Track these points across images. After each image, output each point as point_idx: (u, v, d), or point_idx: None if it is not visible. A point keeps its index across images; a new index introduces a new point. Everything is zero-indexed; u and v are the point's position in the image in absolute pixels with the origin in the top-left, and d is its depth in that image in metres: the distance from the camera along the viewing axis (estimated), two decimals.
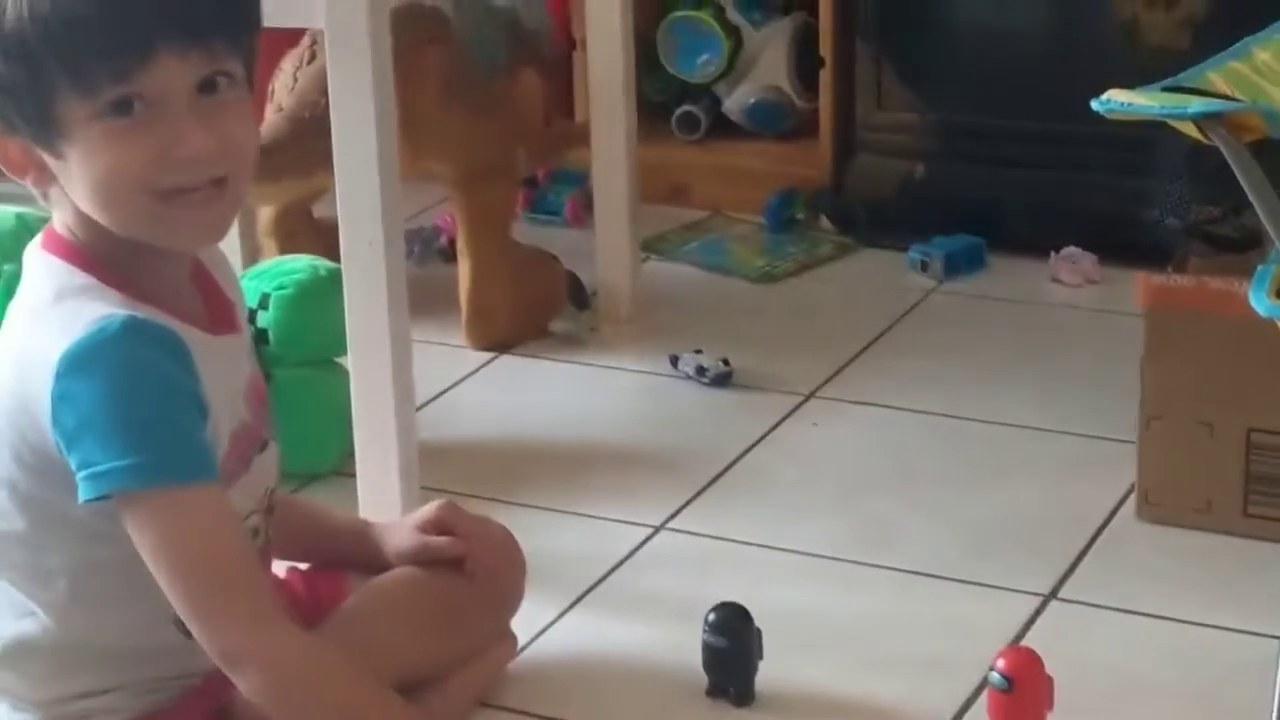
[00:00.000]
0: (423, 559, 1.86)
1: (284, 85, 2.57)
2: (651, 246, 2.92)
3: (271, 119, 2.53)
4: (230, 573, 1.55)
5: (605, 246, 2.73)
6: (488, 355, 2.65)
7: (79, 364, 1.53)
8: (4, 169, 1.58)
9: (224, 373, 1.63)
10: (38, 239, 1.63)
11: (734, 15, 3.16)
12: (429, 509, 1.91)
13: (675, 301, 2.80)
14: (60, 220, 1.61)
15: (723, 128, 3.17)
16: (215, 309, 1.67)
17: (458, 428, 2.46)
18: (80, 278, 1.58)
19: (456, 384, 2.58)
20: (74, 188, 1.55)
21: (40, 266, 1.61)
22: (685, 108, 3.17)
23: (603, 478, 2.33)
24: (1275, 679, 1.78)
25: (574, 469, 2.35)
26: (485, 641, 1.91)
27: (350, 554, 1.90)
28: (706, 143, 3.16)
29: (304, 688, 1.56)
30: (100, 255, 1.59)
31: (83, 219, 1.58)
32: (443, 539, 1.86)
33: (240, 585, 1.56)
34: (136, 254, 1.59)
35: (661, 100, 3.17)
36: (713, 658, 1.88)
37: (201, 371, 1.58)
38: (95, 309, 1.55)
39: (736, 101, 3.16)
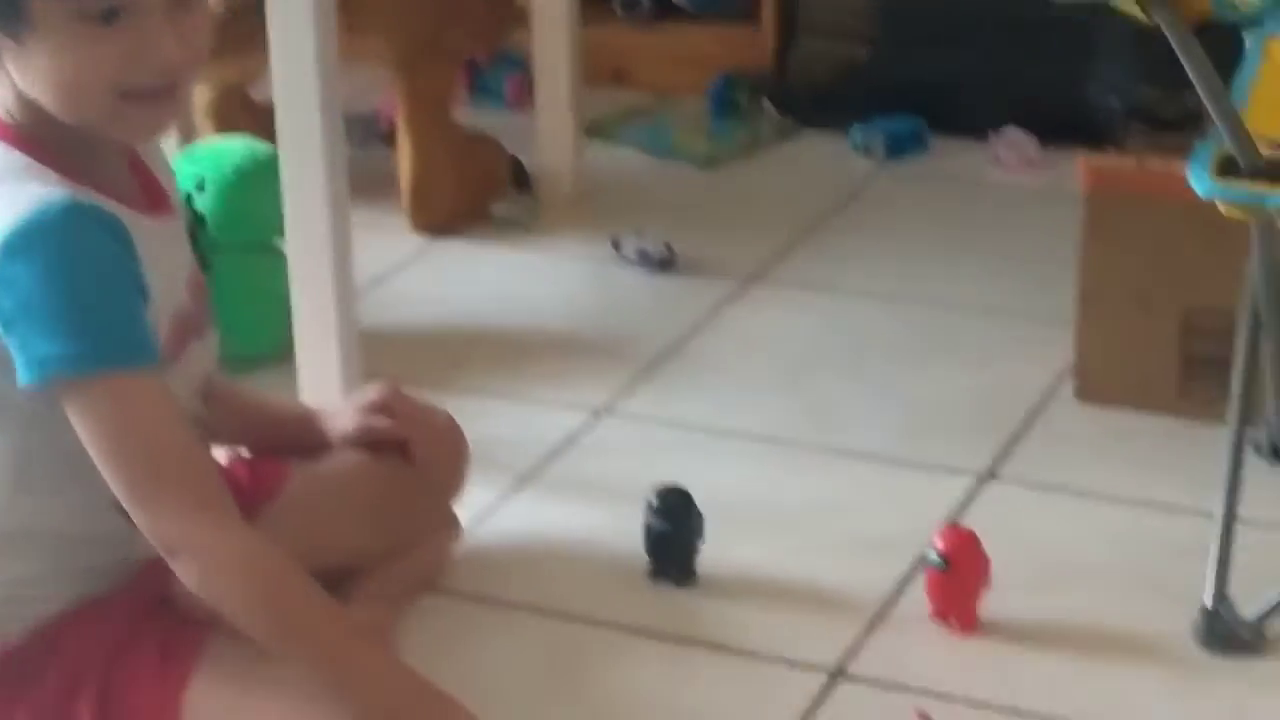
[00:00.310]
0: (366, 441, 1.86)
1: None
2: (593, 130, 2.90)
3: None
4: (173, 461, 1.54)
5: (546, 129, 2.72)
6: (428, 239, 2.64)
7: (19, 246, 1.51)
8: None
9: (164, 256, 1.62)
10: None
11: None
12: (372, 392, 1.90)
13: (617, 185, 2.79)
14: (2, 99, 1.59)
15: (666, 10, 3.14)
16: (151, 193, 1.65)
17: (399, 313, 2.46)
18: (19, 158, 1.56)
19: (397, 268, 2.57)
20: (30, 75, 1.52)
21: None
22: None
23: (545, 362, 2.33)
24: (1211, 556, 1.81)
25: (516, 354, 2.35)
26: (429, 527, 1.92)
27: (293, 439, 1.89)
28: (649, 25, 3.13)
29: (244, 582, 1.55)
30: (39, 138, 1.57)
31: (24, 102, 1.56)
32: (386, 422, 1.86)
33: (183, 474, 1.55)
34: (77, 139, 1.57)
35: None
36: (654, 540, 1.90)
37: (143, 254, 1.57)
38: (35, 190, 1.53)
39: None
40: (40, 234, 1.51)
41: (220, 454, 1.81)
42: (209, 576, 1.54)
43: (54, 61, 1.51)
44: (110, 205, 1.56)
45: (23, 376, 1.51)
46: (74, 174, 1.55)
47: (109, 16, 1.49)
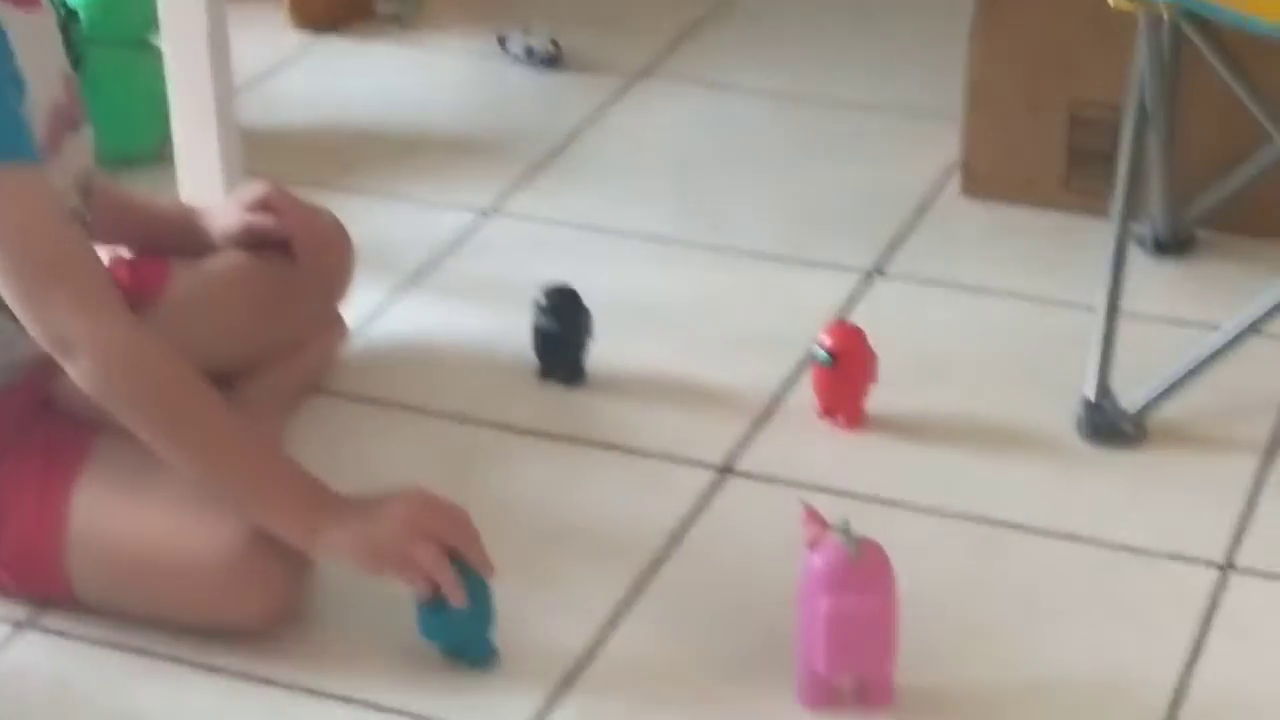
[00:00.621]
0: (249, 240, 1.84)
1: None
2: None
3: None
4: (60, 256, 1.52)
5: None
6: (309, 36, 2.60)
7: None
8: None
9: (35, 50, 1.58)
10: None
11: None
12: (254, 189, 1.88)
13: None
14: None
15: None
16: None
17: (280, 111, 2.42)
18: None
19: (277, 66, 2.53)
20: None
21: None
22: None
23: (431, 161, 2.31)
24: (1094, 350, 1.82)
25: (401, 152, 2.33)
26: (315, 327, 1.91)
27: (175, 239, 1.87)
28: None
29: (133, 375, 1.53)
30: None
31: None
32: (269, 219, 1.84)
33: (71, 269, 1.53)
34: None
35: None
36: (543, 340, 1.90)
37: (15, 48, 1.53)
38: None
39: None
40: None
41: (100, 254, 1.78)
42: (100, 371, 1.52)
43: None
44: None
45: None
46: None
47: None
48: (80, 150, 1.68)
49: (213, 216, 1.87)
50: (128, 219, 1.86)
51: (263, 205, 1.85)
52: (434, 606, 1.50)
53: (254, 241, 1.84)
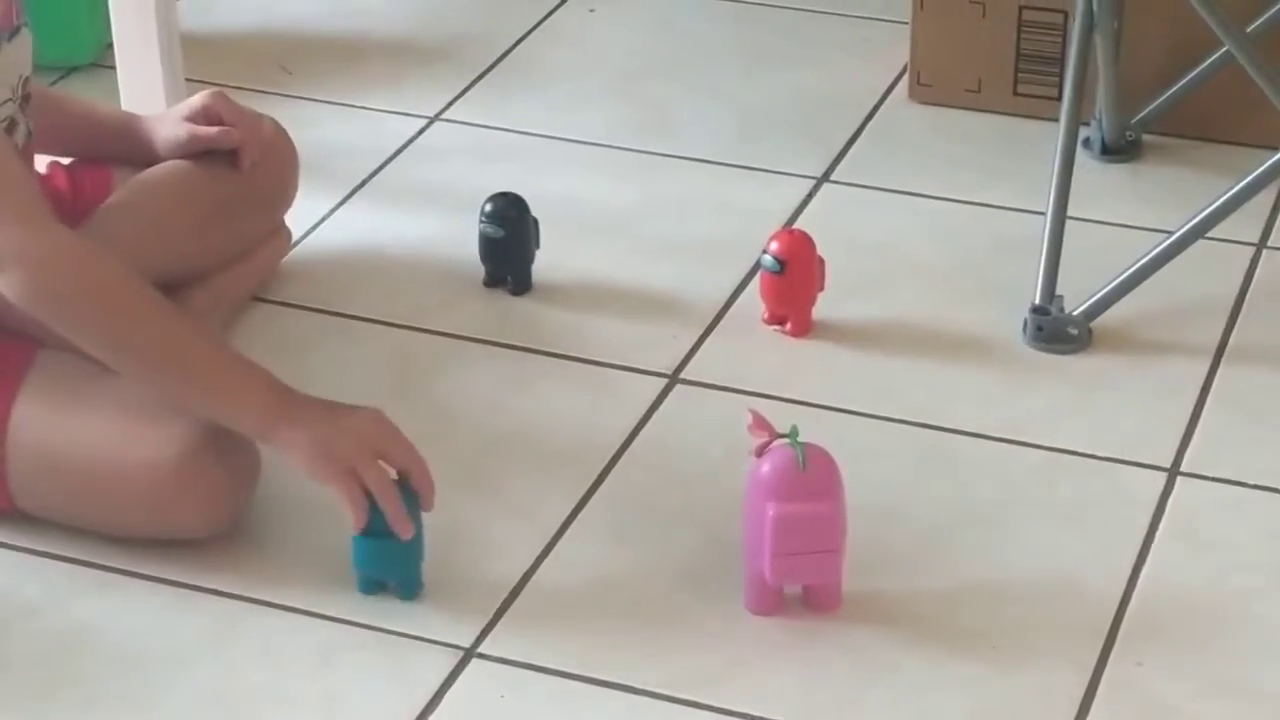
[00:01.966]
0: (192, 150, 1.82)
1: None
2: None
3: None
4: None
5: None
6: None
7: None
8: None
9: None
10: None
11: None
12: (198, 98, 1.86)
13: None
14: None
15: None
16: None
17: (222, 17, 2.40)
18: None
19: None
20: None
21: None
22: None
23: (375, 67, 2.30)
24: (1041, 255, 1.82)
25: (345, 59, 2.31)
26: (258, 236, 1.90)
27: (116, 148, 1.85)
28: None
29: (70, 283, 1.52)
30: None
31: None
32: (213, 129, 1.82)
33: (2, 182, 1.51)
34: None
35: None
36: (489, 248, 1.89)
37: None
38: None
39: None
40: None
41: (40, 163, 1.76)
42: (34, 282, 1.50)
43: None
44: None
45: None
46: None
47: None
48: (19, 56, 1.65)
49: (156, 124, 1.85)
50: (69, 128, 1.84)
51: (206, 115, 1.83)
52: (372, 535, 1.49)
53: (198, 150, 1.82)
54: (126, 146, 1.84)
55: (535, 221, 1.88)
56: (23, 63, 1.66)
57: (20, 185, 1.54)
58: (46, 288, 1.51)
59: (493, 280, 1.90)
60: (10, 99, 1.63)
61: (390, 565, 1.52)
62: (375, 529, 1.49)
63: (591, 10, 2.41)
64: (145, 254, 1.67)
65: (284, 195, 1.92)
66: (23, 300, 1.51)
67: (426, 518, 1.50)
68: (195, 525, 1.56)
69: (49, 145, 1.80)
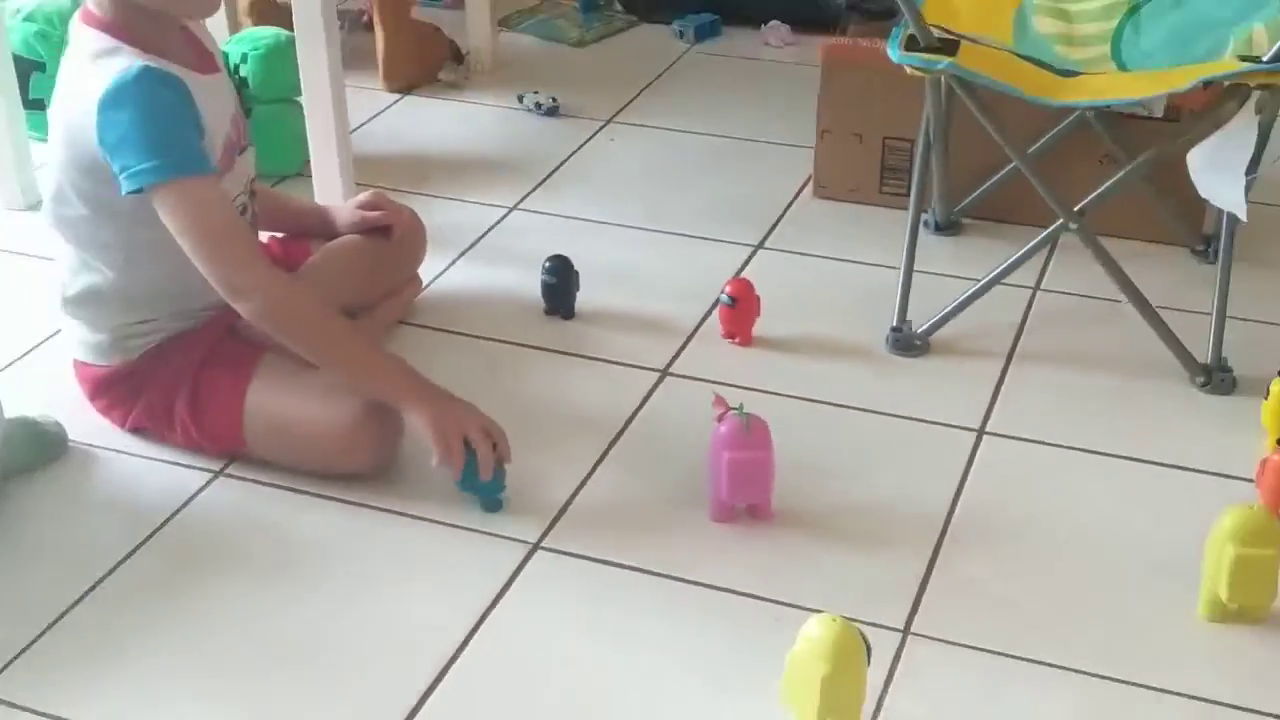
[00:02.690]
0: (361, 228, 1.83)
1: None
2: (504, 22, 2.82)
3: None
4: (227, 232, 1.50)
5: (473, 21, 2.63)
6: (396, 95, 2.56)
7: (112, 100, 1.46)
8: None
9: (213, 101, 1.56)
10: (77, 14, 1.54)
11: None
12: (365, 195, 1.87)
13: (520, 59, 2.70)
14: (94, 1, 1.52)
15: None
16: (200, 57, 1.58)
17: (378, 144, 2.39)
18: (108, 42, 1.50)
19: (376, 115, 2.49)
20: None
21: (81, 34, 1.53)
22: None
23: (475, 175, 2.29)
24: (897, 294, 1.82)
25: (456, 171, 2.30)
26: (401, 282, 1.90)
27: (312, 227, 1.86)
28: None
29: (286, 310, 1.52)
30: (119, 24, 1.51)
31: (112, 1, 1.50)
32: (375, 213, 1.83)
33: (235, 240, 1.51)
34: (144, 22, 1.51)
35: None
36: (547, 290, 1.89)
37: (197, 100, 1.51)
38: (121, 61, 1.48)
39: None
40: (126, 90, 1.46)
41: (262, 237, 1.77)
42: (268, 310, 1.51)
43: None
44: (173, 68, 1.50)
45: (124, 187, 1.47)
46: (145, 48, 1.49)
47: None
48: (247, 165, 1.66)
49: (339, 212, 1.86)
50: (283, 214, 1.85)
51: (370, 205, 1.84)
52: (470, 476, 1.50)
53: (365, 228, 1.83)
54: (319, 226, 1.85)
55: (576, 273, 1.88)
56: (250, 169, 1.67)
57: (248, 241, 1.55)
58: (274, 313, 1.51)
59: (549, 311, 1.89)
60: (243, 193, 1.64)
61: (482, 490, 1.52)
62: (469, 473, 1.50)
63: (612, 139, 2.40)
64: (333, 293, 1.68)
65: (417, 257, 1.91)
66: (256, 320, 1.52)
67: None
68: (362, 464, 1.56)
69: (269, 225, 1.81)
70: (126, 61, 1.47)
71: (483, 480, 1.50)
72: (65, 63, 1.54)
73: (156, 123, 1.46)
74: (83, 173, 1.52)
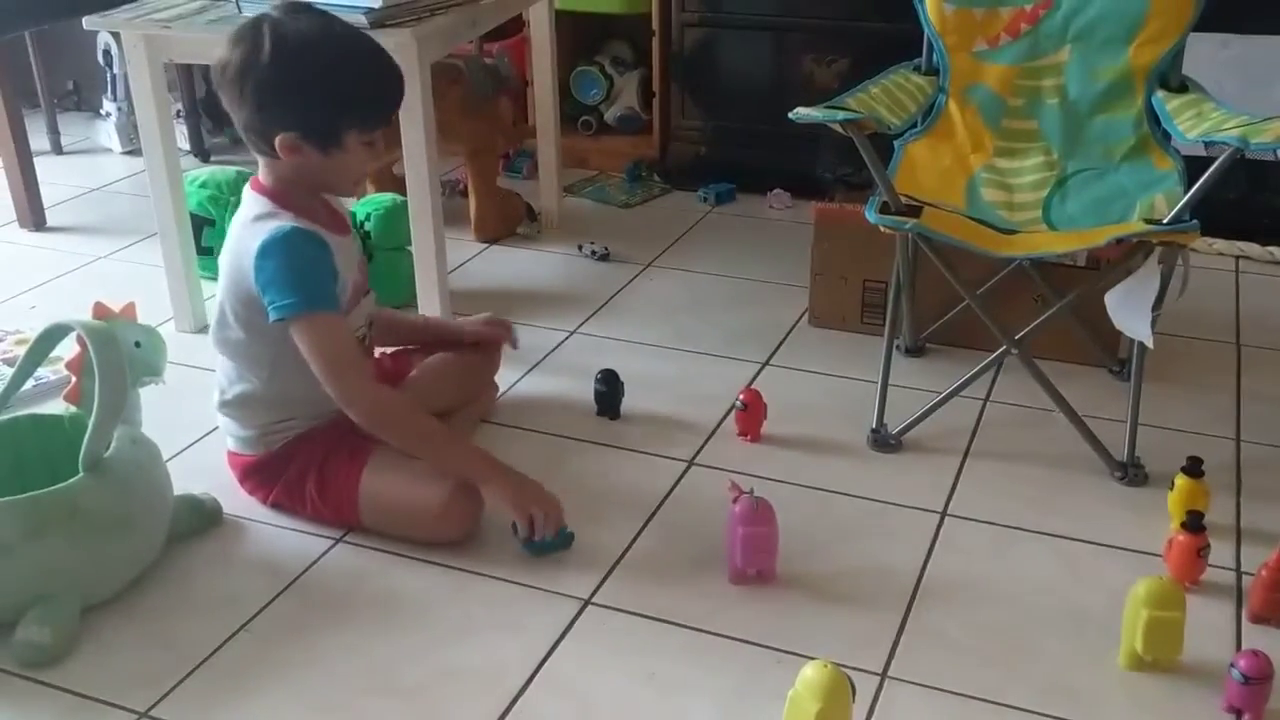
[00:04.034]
0: (484, 337, 1.86)
1: None
2: (568, 189, 2.87)
3: None
4: (344, 357, 1.53)
5: (544, 188, 2.68)
6: (484, 245, 2.60)
7: (264, 253, 1.51)
8: (280, 150, 1.51)
9: (344, 255, 1.60)
10: (250, 181, 1.60)
11: (609, 68, 3.08)
12: (484, 315, 1.91)
13: (580, 218, 2.75)
14: (264, 174, 1.57)
15: (605, 128, 3.11)
16: (337, 221, 1.63)
17: (470, 281, 2.42)
18: (269, 206, 1.55)
19: (469, 259, 2.53)
20: (313, 167, 1.52)
21: (250, 198, 1.58)
22: (584, 117, 3.10)
23: (544, 306, 2.31)
24: (876, 402, 1.82)
25: (530, 304, 2.32)
26: (483, 389, 1.91)
27: (426, 338, 1.86)
28: (596, 136, 3.09)
29: (383, 417, 1.54)
30: (279, 193, 1.56)
31: (275, 175, 1.55)
32: (488, 329, 1.87)
33: (350, 363, 1.53)
34: (298, 193, 1.56)
35: (573, 114, 3.10)
36: (598, 396, 1.89)
37: (334, 254, 1.55)
38: (276, 222, 1.52)
39: (611, 114, 3.09)
40: (279, 243, 1.50)
41: (376, 352, 1.79)
42: (366, 415, 1.53)
43: (340, 164, 1.52)
44: (318, 229, 1.55)
45: (270, 316, 1.51)
46: (297, 213, 1.54)
47: (374, 142, 1.52)
48: (368, 305, 1.69)
49: (464, 323, 1.89)
50: (402, 328, 1.86)
51: (492, 322, 1.88)
52: (532, 538, 1.52)
53: (487, 337, 1.85)
54: (432, 337, 1.87)
55: (622, 383, 1.89)
56: (370, 308, 1.70)
57: (360, 365, 1.56)
58: (372, 419, 1.53)
59: (600, 413, 1.90)
60: (363, 326, 1.68)
61: (541, 550, 1.53)
62: (532, 535, 1.51)
63: (650, 280, 2.42)
64: (427, 398, 1.70)
65: (494, 369, 1.93)
66: (361, 423, 1.54)
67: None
68: (451, 534, 1.56)
69: (393, 341, 1.83)
70: (282, 222, 1.52)
71: (546, 538, 1.52)
72: (236, 217, 1.59)
73: (297, 269, 1.51)
74: (243, 303, 1.56)
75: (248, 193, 1.58)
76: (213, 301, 1.62)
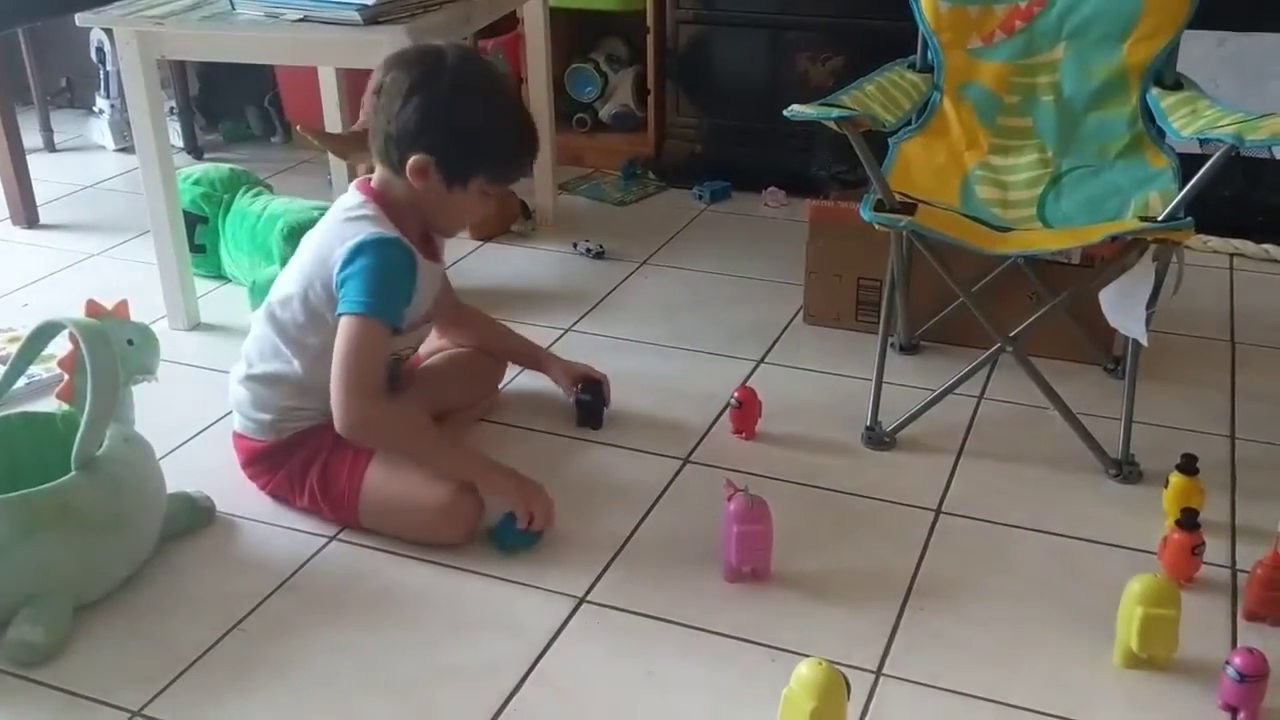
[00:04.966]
0: (573, 378, 1.87)
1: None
2: (563, 186, 2.87)
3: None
4: (366, 375, 1.52)
5: (539, 186, 2.67)
6: (478, 243, 2.60)
7: (359, 250, 1.53)
8: (409, 169, 1.54)
9: (428, 280, 1.63)
10: (360, 179, 1.62)
11: (604, 66, 3.08)
12: (581, 366, 1.91)
13: (575, 215, 2.75)
14: (379, 182, 1.59)
15: (599, 126, 3.10)
16: (431, 248, 1.65)
17: (466, 279, 2.41)
18: (375, 210, 1.57)
19: (464, 256, 2.53)
20: (433, 197, 1.55)
21: (355, 196, 1.60)
22: (579, 115, 3.09)
23: (538, 304, 2.30)
24: (870, 400, 1.82)
25: (525, 302, 2.32)
26: (483, 393, 1.90)
27: (519, 357, 1.92)
28: (591, 134, 3.08)
29: (370, 435, 1.54)
30: (389, 205, 1.58)
31: (397, 193, 1.57)
32: (588, 379, 1.87)
33: (361, 375, 1.52)
34: (403, 210, 1.58)
35: (568, 111, 3.09)
36: (579, 406, 1.86)
37: (419, 276, 1.58)
38: (378, 227, 1.55)
39: (606, 112, 3.09)
40: (373, 246, 1.53)
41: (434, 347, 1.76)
42: (349, 430, 1.52)
43: (454, 203, 1.56)
44: (410, 245, 1.57)
45: (339, 309, 1.53)
46: (397, 226, 1.57)
47: (487, 195, 1.57)
48: (424, 332, 1.73)
49: (556, 361, 1.91)
50: (504, 340, 1.92)
51: (585, 374, 1.87)
52: (512, 529, 1.53)
53: (577, 378, 1.86)
54: (525, 358, 1.92)
55: (608, 391, 1.87)
56: (426, 335, 1.76)
57: (376, 385, 1.54)
58: (358, 435, 1.54)
59: (582, 423, 1.85)
60: (408, 348, 1.71)
61: (518, 542, 1.54)
62: (517, 527, 1.53)
63: (645, 278, 2.42)
64: (433, 398, 1.73)
65: (500, 377, 1.94)
66: (342, 433, 1.53)
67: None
68: (452, 537, 1.56)
69: (492, 348, 1.89)
70: (382, 229, 1.55)
71: (520, 534, 1.54)
72: (335, 205, 1.62)
73: (382, 275, 1.53)
74: (323, 286, 1.57)
75: (354, 191, 1.61)
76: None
